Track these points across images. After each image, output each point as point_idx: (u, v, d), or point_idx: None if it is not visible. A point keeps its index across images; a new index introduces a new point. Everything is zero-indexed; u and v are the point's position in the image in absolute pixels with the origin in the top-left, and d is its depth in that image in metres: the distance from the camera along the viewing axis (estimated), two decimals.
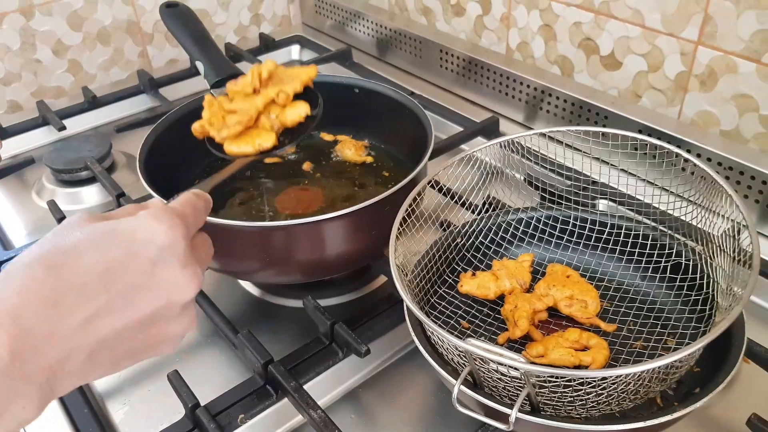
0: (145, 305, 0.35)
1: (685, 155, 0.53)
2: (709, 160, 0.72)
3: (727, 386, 0.55)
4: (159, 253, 0.35)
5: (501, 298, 0.55)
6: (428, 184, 0.58)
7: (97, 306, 0.33)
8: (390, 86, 0.75)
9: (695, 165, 0.53)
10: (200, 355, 0.61)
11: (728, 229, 0.51)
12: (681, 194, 0.57)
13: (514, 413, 0.41)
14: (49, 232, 0.35)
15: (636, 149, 0.56)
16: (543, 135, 0.58)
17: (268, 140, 0.57)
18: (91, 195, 0.83)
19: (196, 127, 0.58)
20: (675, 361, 0.41)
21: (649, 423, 0.40)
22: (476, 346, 0.42)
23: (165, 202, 0.41)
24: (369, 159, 0.78)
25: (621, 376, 0.41)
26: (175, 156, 0.72)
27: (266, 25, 1.26)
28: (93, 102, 0.98)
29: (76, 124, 0.97)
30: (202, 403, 0.52)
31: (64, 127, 0.92)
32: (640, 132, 0.78)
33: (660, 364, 0.40)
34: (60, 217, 0.74)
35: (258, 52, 1.13)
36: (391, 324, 0.60)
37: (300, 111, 0.58)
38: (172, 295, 0.36)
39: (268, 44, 1.15)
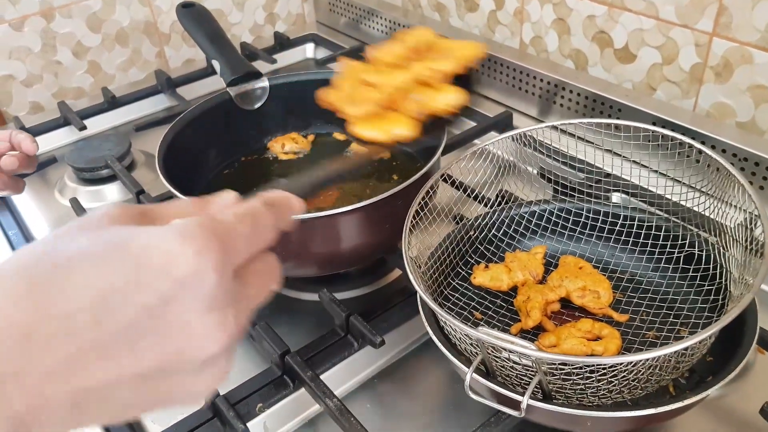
0: (147, 355, 0.26)
1: (698, 146, 0.53)
2: (723, 151, 0.71)
3: (742, 377, 0.56)
4: (173, 286, 0.25)
5: (514, 290, 0.56)
6: (441, 178, 0.59)
7: (81, 344, 0.24)
8: None
9: (709, 156, 0.53)
10: None
11: (743, 220, 0.51)
12: (694, 185, 0.57)
13: (525, 400, 0.42)
14: (61, 227, 0.28)
15: (649, 141, 0.56)
16: (555, 128, 0.58)
17: (406, 128, 0.46)
18: (112, 192, 0.85)
19: (324, 97, 0.49)
20: (684, 349, 0.41)
21: (660, 410, 0.41)
22: (488, 335, 0.43)
23: (235, 198, 0.31)
24: (386, 155, 0.78)
25: (631, 363, 0.42)
26: (194, 153, 0.74)
27: (281, 24, 1.28)
28: (112, 102, 1.00)
29: (96, 124, 0.99)
30: (221, 393, 0.53)
31: (84, 127, 0.94)
32: (654, 124, 0.77)
33: (669, 351, 0.40)
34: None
35: (273, 50, 1.14)
36: (406, 316, 0.61)
37: (453, 98, 0.47)
38: (185, 348, 0.26)
39: (282, 43, 1.16)
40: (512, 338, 0.42)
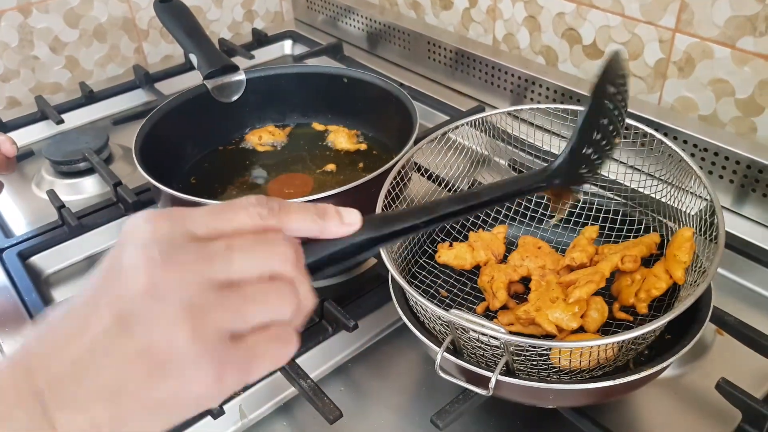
0: (140, 340, 0.28)
1: (658, 135, 0.55)
2: (685, 142, 0.74)
3: (701, 357, 0.58)
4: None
5: (477, 268, 0.58)
6: (411, 163, 0.61)
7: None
8: (376, 75, 0.78)
9: (667, 146, 0.55)
10: None
11: (699, 209, 0.53)
12: (653, 173, 0.59)
13: (494, 378, 0.44)
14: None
15: None
16: (509, 114, 0.61)
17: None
18: (90, 185, 0.85)
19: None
20: (639, 336, 0.43)
21: (618, 382, 0.43)
22: (459, 317, 0.45)
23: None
24: (363, 146, 0.80)
25: (593, 347, 0.44)
26: (171, 144, 0.75)
27: (259, 22, 1.29)
28: (90, 97, 1.01)
29: (73, 119, 0.99)
30: None
31: (62, 121, 0.94)
32: None
33: (626, 337, 0.42)
34: (59, 206, 0.76)
35: (251, 47, 1.15)
36: (379, 302, 0.62)
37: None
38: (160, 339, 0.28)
39: (260, 39, 1.17)
40: (482, 320, 0.43)
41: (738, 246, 0.67)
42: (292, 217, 0.33)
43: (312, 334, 0.60)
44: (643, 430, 0.53)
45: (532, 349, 0.43)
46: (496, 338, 0.43)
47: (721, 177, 0.72)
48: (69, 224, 0.74)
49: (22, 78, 1.07)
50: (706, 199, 0.52)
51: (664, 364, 0.44)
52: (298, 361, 0.56)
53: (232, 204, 0.32)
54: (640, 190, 0.60)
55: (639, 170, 0.61)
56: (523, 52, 0.97)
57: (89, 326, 0.29)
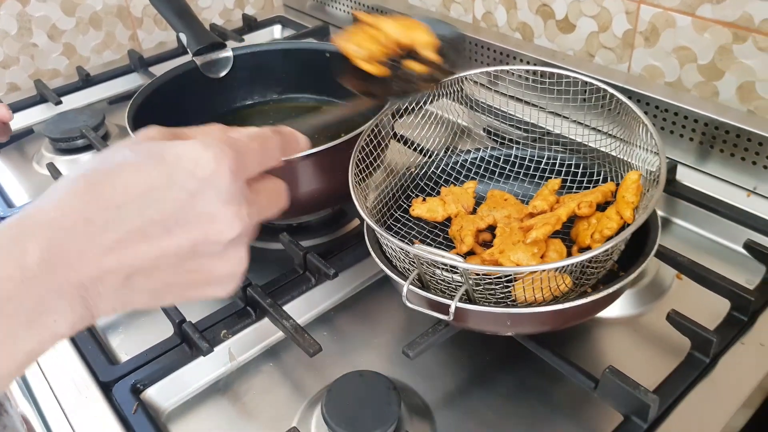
0: (182, 237, 0.33)
1: (607, 88, 0.59)
2: (657, 107, 0.78)
3: (660, 298, 0.63)
4: (198, 184, 0.33)
5: (449, 221, 0.62)
6: (382, 127, 0.65)
7: (129, 229, 0.32)
8: None
9: (620, 100, 0.59)
10: None
11: (645, 156, 0.57)
12: (609, 132, 0.63)
13: (454, 304, 0.48)
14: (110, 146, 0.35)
15: (573, 92, 0.63)
16: (485, 74, 0.65)
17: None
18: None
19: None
20: (585, 261, 0.47)
21: (566, 305, 0.47)
22: (422, 250, 0.49)
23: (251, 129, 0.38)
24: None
25: (545, 271, 0.48)
26: (162, 117, 0.79)
27: (249, 8, 1.33)
28: (87, 80, 1.05)
29: (71, 101, 1.03)
30: (189, 319, 0.59)
31: (60, 102, 0.99)
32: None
33: (572, 261, 0.46)
34: (59, 177, 0.80)
35: (241, 32, 1.19)
36: (359, 256, 0.67)
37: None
38: (209, 231, 0.33)
39: (251, 24, 1.21)
40: (443, 252, 0.48)
41: (699, 200, 0.71)
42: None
43: (296, 284, 0.64)
44: (601, 362, 0.57)
45: (487, 276, 0.48)
46: (455, 267, 0.48)
47: (681, 136, 0.76)
48: None
49: (21, 64, 1.12)
50: (655, 153, 0.56)
51: (611, 290, 0.48)
52: (284, 308, 0.61)
53: (265, 139, 0.38)
54: (601, 149, 0.64)
55: (599, 131, 0.65)
56: (501, 29, 1.01)
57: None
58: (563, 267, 0.48)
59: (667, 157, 0.76)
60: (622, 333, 0.60)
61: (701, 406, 0.52)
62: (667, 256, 0.61)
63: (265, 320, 0.61)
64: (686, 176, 0.75)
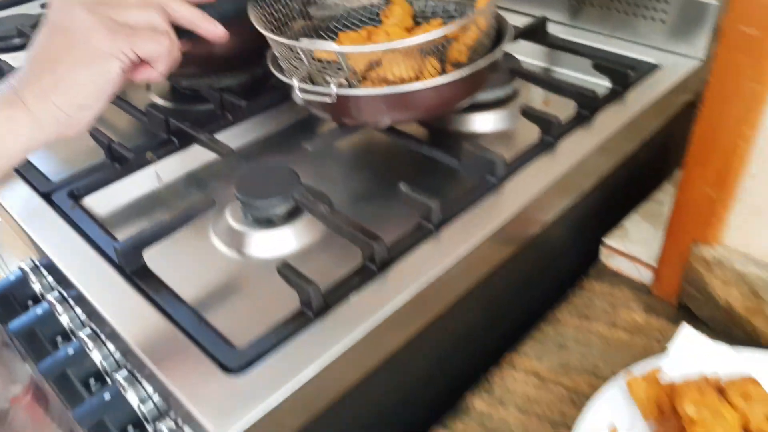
0: (52, 17, 0.48)
1: None
2: None
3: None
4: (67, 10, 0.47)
5: None
6: None
7: (44, 58, 0.47)
8: None
9: None
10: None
11: None
12: None
13: (334, 87, 0.57)
14: None
15: None
16: None
17: None
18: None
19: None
20: (439, 37, 0.57)
21: (427, 83, 0.57)
22: (306, 43, 0.58)
23: None
24: None
25: (410, 45, 0.57)
26: None
27: None
28: None
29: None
30: (116, 140, 0.68)
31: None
32: None
33: (430, 37, 0.56)
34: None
35: None
36: (277, 100, 0.76)
37: None
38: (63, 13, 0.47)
39: None
40: (322, 41, 0.57)
41: (568, 46, 0.82)
42: None
43: (214, 120, 0.73)
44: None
45: (362, 55, 0.58)
46: (333, 50, 0.57)
47: None
48: None
49: None
50: None
51: (474, 65, 0.58)
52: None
53: None
54: None
55: None
56: None
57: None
58: (420, 44, 0.57)
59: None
60: (498, 146, 0.70)
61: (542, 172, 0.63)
62: (529, 75, 0.73)
63: (193, 146, 0.70)
64: (559, 30, 0.86)
